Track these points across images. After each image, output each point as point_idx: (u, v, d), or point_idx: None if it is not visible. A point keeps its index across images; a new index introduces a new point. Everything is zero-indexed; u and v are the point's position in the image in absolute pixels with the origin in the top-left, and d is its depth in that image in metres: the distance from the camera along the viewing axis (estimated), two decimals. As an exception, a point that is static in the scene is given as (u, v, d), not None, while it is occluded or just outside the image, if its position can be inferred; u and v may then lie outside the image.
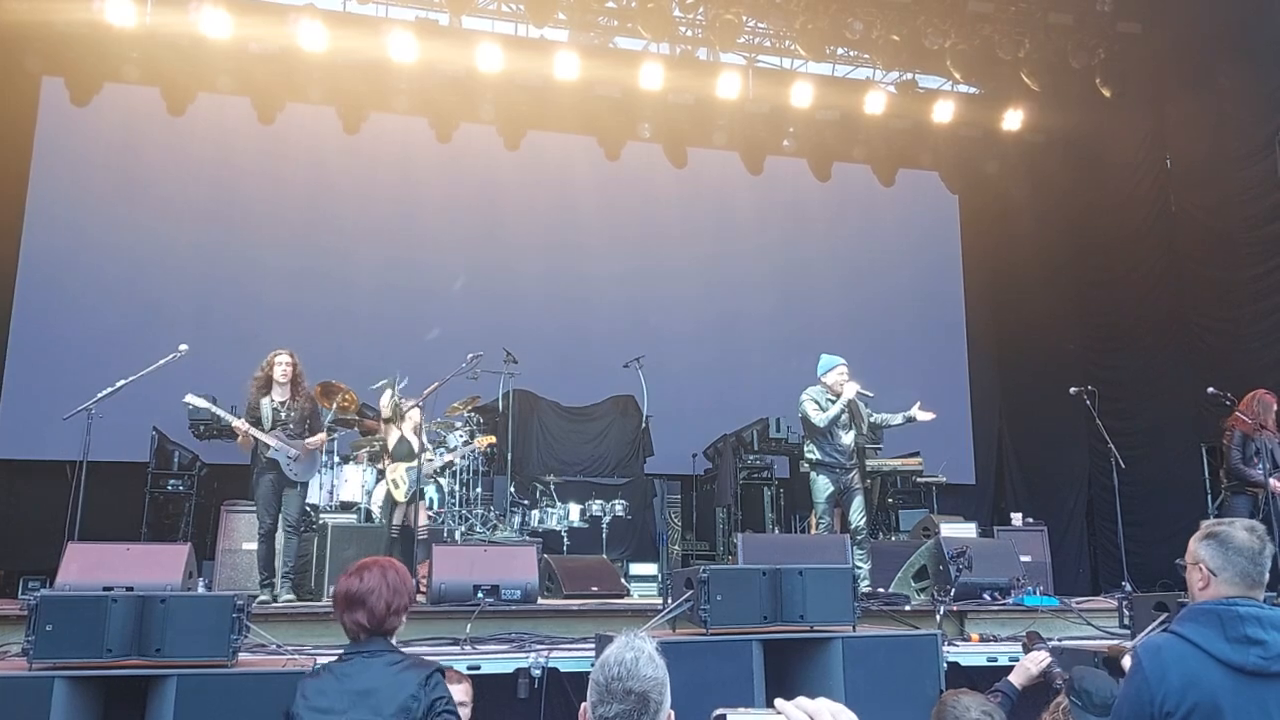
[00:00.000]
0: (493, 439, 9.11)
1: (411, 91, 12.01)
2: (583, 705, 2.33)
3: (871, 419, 7.69)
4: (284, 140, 11.94)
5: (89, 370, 9.63)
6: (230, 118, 11.78)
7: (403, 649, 3.45)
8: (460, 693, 4.22)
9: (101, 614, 3.81)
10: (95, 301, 11.10)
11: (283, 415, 7.20)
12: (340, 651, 3.38)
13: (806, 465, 7.74)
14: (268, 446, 7.07)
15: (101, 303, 11.10)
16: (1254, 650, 2.78)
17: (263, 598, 6.85)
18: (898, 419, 7.71)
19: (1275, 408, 8.02)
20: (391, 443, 7.93)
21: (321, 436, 7.53)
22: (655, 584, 10.10)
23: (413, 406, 7.72)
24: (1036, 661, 4.47)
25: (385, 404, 7.98)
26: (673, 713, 2.26)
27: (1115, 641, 5.10)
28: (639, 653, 2.33)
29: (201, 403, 7.21)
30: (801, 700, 1.62)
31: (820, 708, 1.59)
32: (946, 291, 13.99)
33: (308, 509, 8.07)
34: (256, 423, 7.12)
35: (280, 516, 7.06)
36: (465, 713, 4.25)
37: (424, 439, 7.92)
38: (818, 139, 13.29)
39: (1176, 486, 10.65)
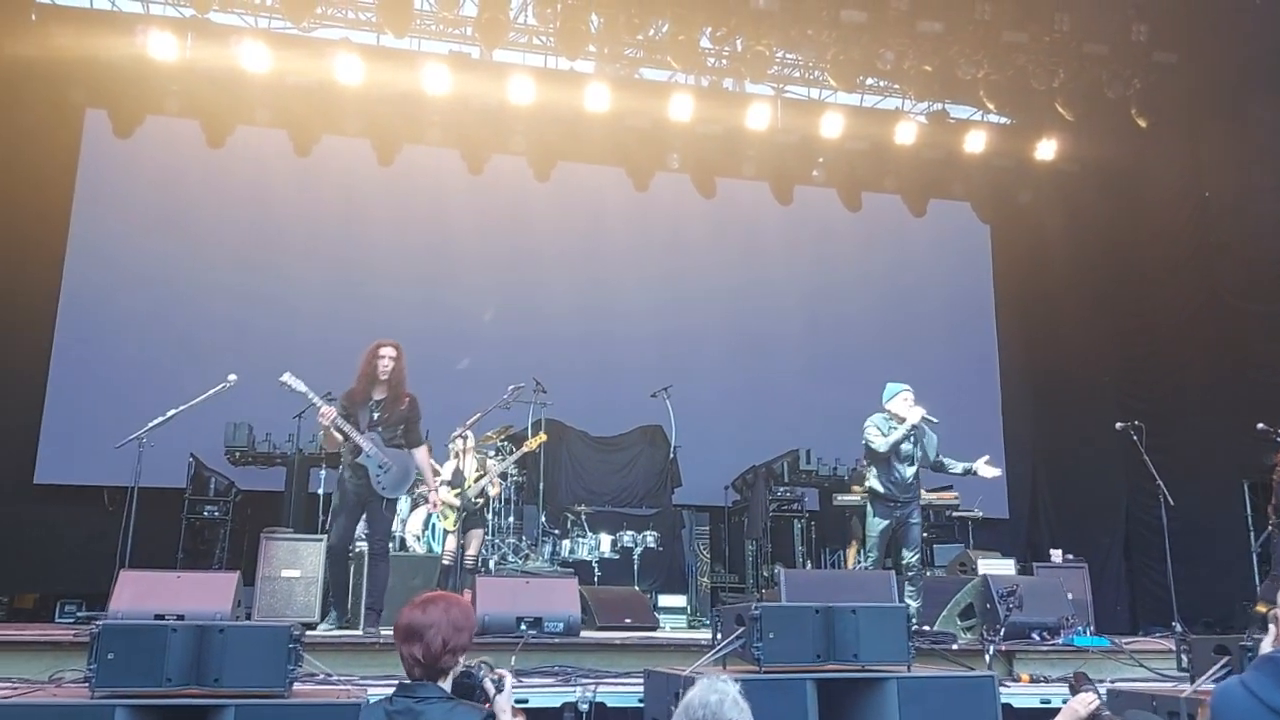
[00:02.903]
0: (543, 436, 9.06)
1: (444, 124, 12.13)
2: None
3: (936, 458, 7.61)
4: (319, 172, 12.07)
5: (128, 399, 9.76)
6: (268, 150, 11.92)
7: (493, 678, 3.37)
8: None
9: (161, 643, 3.81)
10: (135, 331, 11.20)
11: (377, 417, 6.43)
12: (394, 684, 3.35)
13: (865, 495, 7.68)
14: (358, 449, 6.32)
15: (141, 332, 11.20)
16: None
17: (323, 626, 6.50)
18: (959, 467, 7.62)
19: None
20: (449, 472, 7.93)
21: (422, 451, 6.77)
22: (684, 616, 10.09)
23: (457, 436, 7.72)
24: (1085, 704, 4.35)
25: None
26: None
27: (1177, 686, 5.00)
28: (723, 695, 2.31)
29: (300, 385, 6.43)
30: None
31: None
32: (978, 323, 13.91)
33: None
34: (349, 420, 6.39)
35: (368, 538, 6.61)
36: None
37: (472, 463, 7.88)
38: (848, 169, 13.31)
39: (1217, 524, 10.48)
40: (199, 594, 5.07)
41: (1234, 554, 10.42)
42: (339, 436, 6.37)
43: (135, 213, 11.45)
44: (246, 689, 3.81)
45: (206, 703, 3.75)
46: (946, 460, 7.62)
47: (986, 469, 7.54)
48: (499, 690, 3.33)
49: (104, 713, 3.57)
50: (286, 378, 6.42)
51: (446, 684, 3.27)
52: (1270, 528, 8.12)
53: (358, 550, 8.05)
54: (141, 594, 4.96)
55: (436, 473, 7.72)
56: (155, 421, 6.64)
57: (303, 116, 11.79)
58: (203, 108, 11.53)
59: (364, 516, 6.77)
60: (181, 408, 6.70)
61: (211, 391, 6.56)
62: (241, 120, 11.73)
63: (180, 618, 4.46)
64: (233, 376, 6.70)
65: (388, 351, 6.50)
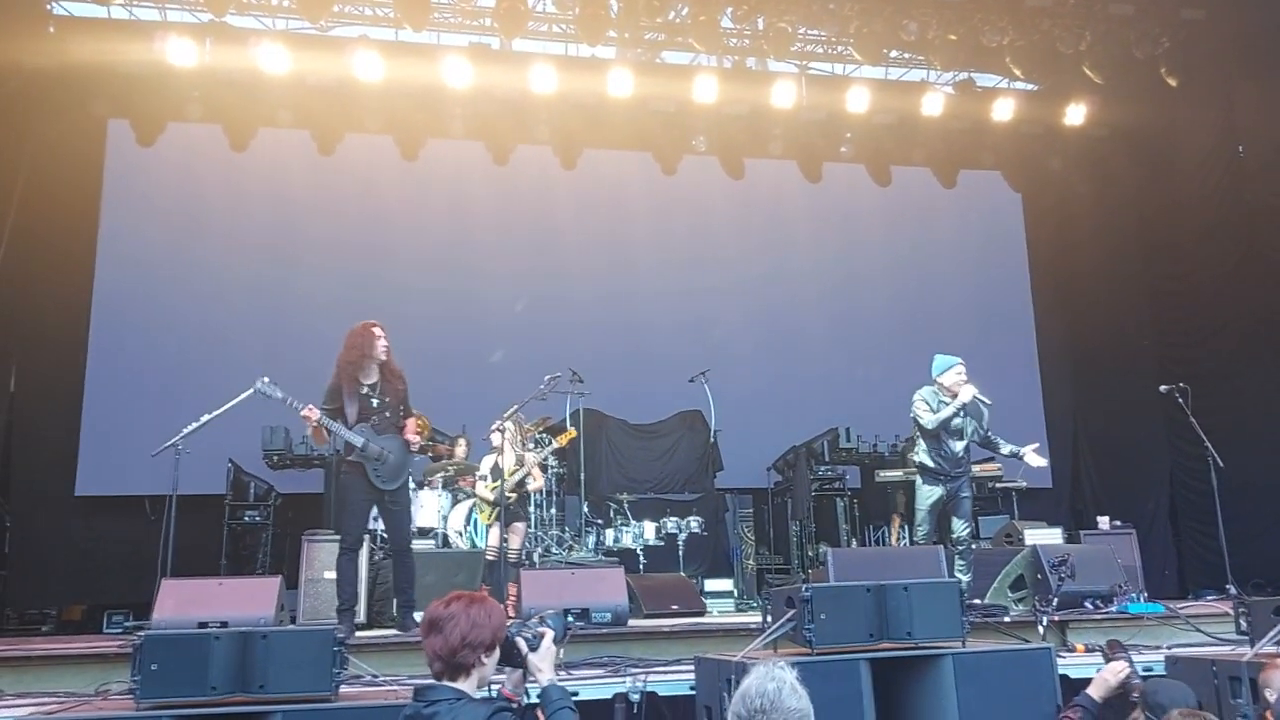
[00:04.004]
0: (573, 432, 8.98)
1: (466, 116, 12.08)
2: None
3: (986, 433, 7.43)
4: (343, 171, 12.06)
5: (163, 406, 9.79)
6: (290, 151, 11.92)
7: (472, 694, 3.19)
8: None
9: (205, 652, 3.79)
10: (165, 338, 11.25)
11: (374, 404, 6.12)
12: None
13: (915, 469, 7.55)
14: (351, 447, 6.03)
15: (171, 339, 11.25)
16: None
17: (343, 629, 6.53)
18: (1006, 449, 7.43)
19: None
20: (487, 467, 7.89)
21: (413, 422, 6.44)
22: (731, 600, 10.05)
23: (495, 429, 7.66)
24: (1115, 672, 4.27)
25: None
26: None
27: (1236, 650, 4.87)
28: (781, 683, 2.24)
29: (277, 391, 6.10)
30: None
31: None
32: (1013, 292, 13.71)
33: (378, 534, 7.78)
34: (337, 415, 6.08)
35: (386, 536, 6.44)
36: None
37: (511, 457, 7.82)
38: (875, 144, 13.13)
39: (1262, 486, 10.26)
40: (242, 600, 5.06)
41: None
42: (326, 434, 6.09)
43: (162, 220, 11.50)
44: (293, 694, 3.78)
45: (253, 709, 3.73)
46: (996, 439, 7.45)
47: (1034, 457, 7.36)
48: (534, 649, 3.26)
49: (151, 724, 3.55)
50: (261, 384, 6.13)
51: (469, 683, 3.15)
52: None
53: (376, 557, 7.95)
54: (184, 602, 4.96)
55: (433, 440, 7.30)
56: (190, 428, 6.64)
57: (324, 116, 11.77)
58: (224, 112, 11.54)
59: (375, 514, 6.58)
60: (215, 413, 6.68)
61: (243, 395, 6.50)
62: (263, 122, 11.74)
63: (224, 624, 4.45)
64: (266, 379, 6.63)
65: (381, 331, 6.22)
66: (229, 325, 11.35)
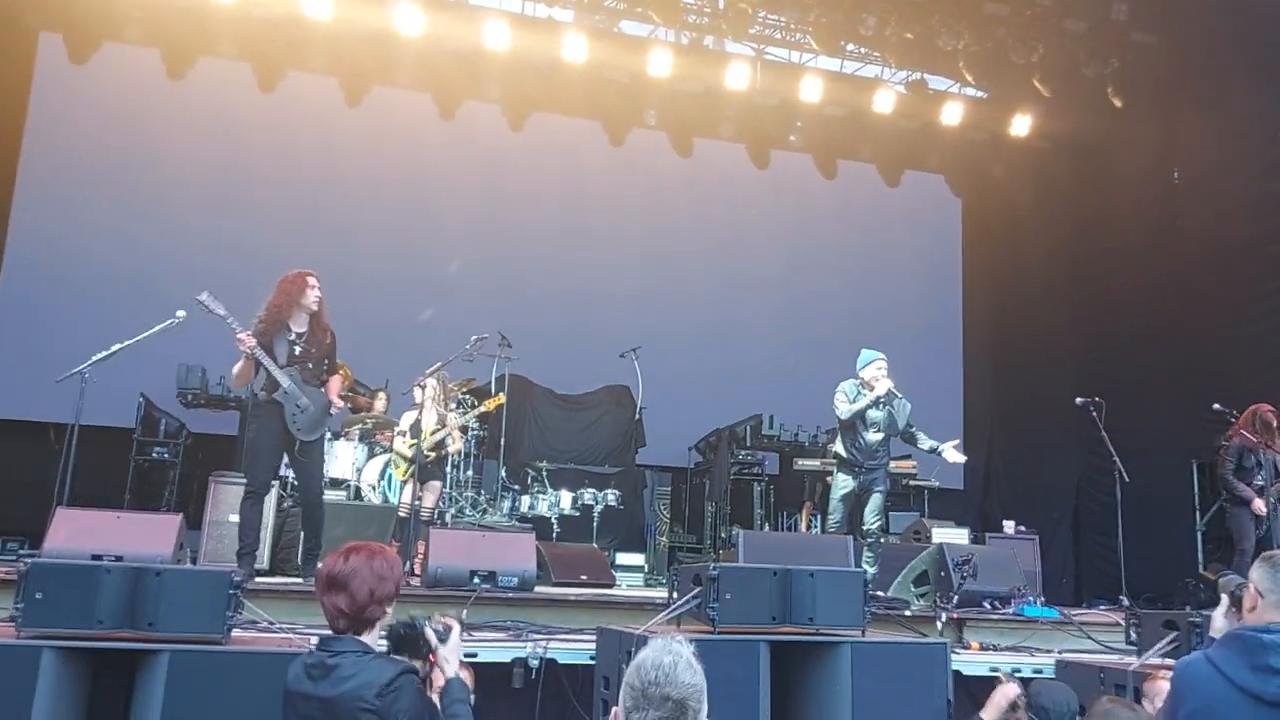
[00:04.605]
0: (500, 399, 8.88)
1: (416, 66, 11.82)
2: (612, 709, 2.23)
3: (907, 427, 7.51)
4: (285, 109, 11.74)
5: (78, 334, 9.43)
6: (231, 84, 11.56)
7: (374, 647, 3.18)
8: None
9: (94, 584, 3.66)
10: (84, 265, 10.88)
11: (298, 352, 6.02)
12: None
13: (833, 460, 7.68)
14: (275, 385, 5.91)
15: (96, 269, 10.89)
16: (1275, 680, 2.68)
17: (240, 572, 6.42)
18: (926, 444, 7.51)
19: (1276, 424, 7.99)
20: (407, 423, 7.78)
21: (338, 381, 6.41)
22: (641, 574, 10.08)
23: (416, 385, 7.56)
24: (1007, 695, 4.35)
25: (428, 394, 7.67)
26: None
27: (1124, 659, 5.02)
28: (677, 657, 2.22)
29: (220, 308, 5.94)
30: None
31: None
32: (946, 294, 13.96)
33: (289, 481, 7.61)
34: (267, 352, 5.94)
35: (296, 485, 6.36)
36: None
37: (433, 415, 7.73)
38: (825, 135, 13.20)
39: (1164, 502, 10.61)
40: (139, 536, 4.92)
41: (1179, 533, 10.58)
42: (252, 371, 5.99)
43: (91, 143, 11.09)
44: (183, 634, 3.68)
45: (140, 647, 3.62)
46: (917, 433, 7.56)
47: (953, 454, 7.48)
48: (443, 640, 3.21)
49: (30, 654, 3.42)
50: (204, 297, 5.96)
51: (372, 636, 3.12)
52: (1224, 504, 8.22)
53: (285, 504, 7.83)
54: (78, 533, 4.80)
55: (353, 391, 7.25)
56: (98, 356, 6.42)
57: (268, 50, 11.44)
58: (164, 36, 11.15)
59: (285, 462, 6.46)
60: (126, 343, 6.46)
61: (158, 328, 6.32)
62: (204, 51, 11.36)
63: (119, 559, 4.30)
64: (181, 313, 6.42)
65: (315, 282, 6.12)
66: (154, 258, 10.98)
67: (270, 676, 3.42)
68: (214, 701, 3.61)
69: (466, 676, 4.11)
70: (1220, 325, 10.55)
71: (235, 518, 6.92)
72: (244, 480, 6.36)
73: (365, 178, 11.97)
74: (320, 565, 3.20)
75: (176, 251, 11.08)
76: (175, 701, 3.53)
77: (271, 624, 4.60)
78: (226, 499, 7.31)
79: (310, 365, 6.10)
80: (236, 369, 6.09)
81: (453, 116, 12.24)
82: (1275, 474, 7.80)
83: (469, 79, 12.05)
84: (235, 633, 3.96)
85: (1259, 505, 7.75)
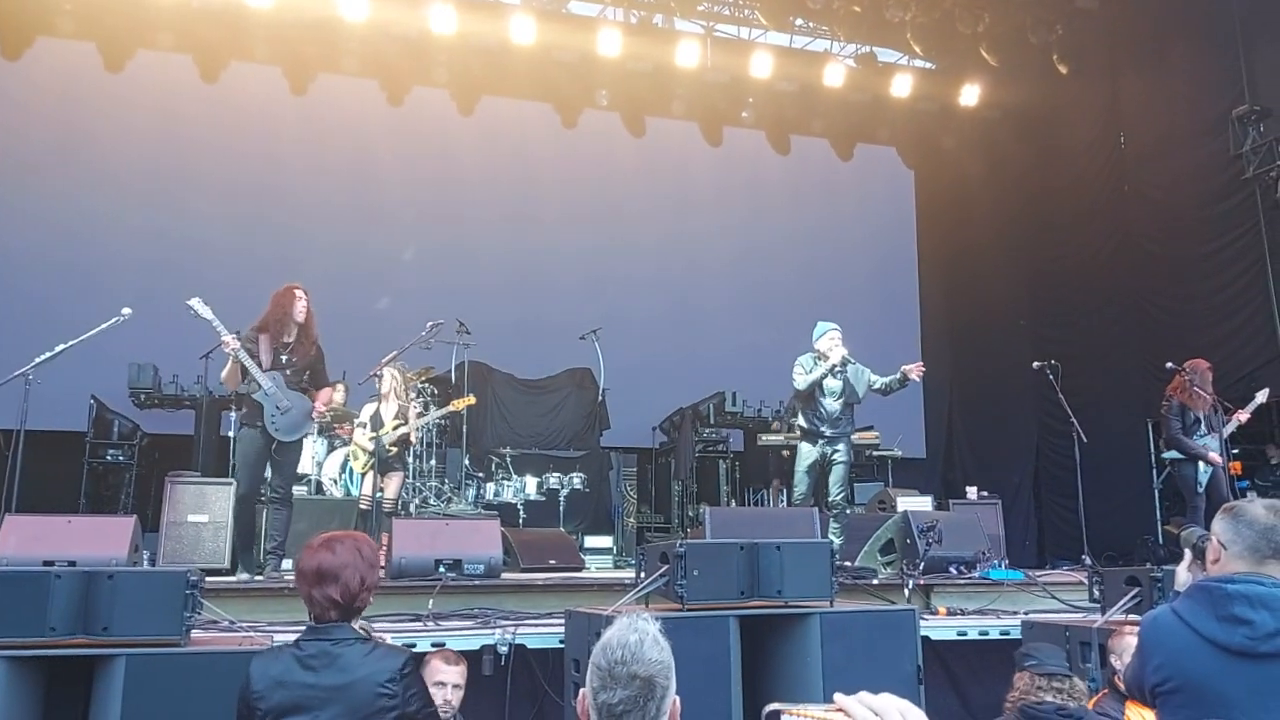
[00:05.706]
0: (472, 399, 8.78)
1: (362, 52, 11.66)
2: (581, 691, 2.18)
3: (874, 385, 7.50)
4: (228, 101, 11.51)
5: (21, 335, 9.20)
6: (172, 76, 11.31)
7: (370, 633, 3.31)
8: (456, 675, 4.10)
9: (44, 590, 3.55)
10: (29, 265, 10.61)
11: (285, 360, 6.29)
12: (300, 629, 3.20)
13: (796, 435, 7.67)
14: (258, 387, 6.14)
15: (35, 266, 10.62)
16: (1240, 630, 2.69)
17: (241, 575, 6.36)
18: (888, 381, 7.46)
19: (1211, 376, 8.09)
20: (367, 415, 7.68)
21: (329, 393, 6.71)
22: (610, 556, 10.05)
23: (372, 375, 7.45)
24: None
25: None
26: (678, 699, 2.11)
27: (1088, 617, 5.06)
28: (643, 635, 2.18)
29: (207, 312, 6.17)
30: (864, 696, 1.48)
31: (888, 705, 1.45)
32: (901, 266, 14.03)
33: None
34: (253, 357, 6.19)
35: (269, 482, 6.47)
36: (459, 695, 4.10)
37: (393, 407, 7.63)
38: (777, 111, 13.19)
39: (1122, 461, 10.80)
40: (93, 539, 4.79)
41: (1136, 491, 10.77)
42: (239, 373, 6.21)
43: (26, 140, 10.80)
44: (139, 638, 3.59)
45: (95, 653, 3.52)
46: (877, 380, 7.51)
47: (915, 372, 7.40)
48: None
49: (-20, 664, 3.32)
50: (194, 303, 6.21)
51: (358, 623, 3.19)
52: (1169, 463, 8.34)
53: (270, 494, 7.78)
54: (28, 540, 4.66)
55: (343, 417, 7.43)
56: (42, 357, 6.24)
57: (209, 41, 11.21)
58: (99, 29, 10.89)
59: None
60: (71, 343, 6.30)
61: (104, 326, 6.17)
62: (143, 44, 11.11)
63: (72, 564, 4.19)
64: (127, 310, 6.30)
65: (303, 294, 6.41)
66: (98, 255, 10.76)
67: (233, 676, 3.33)
68: (175, 704, 3.52)
69: (460, 671, 4.09)
70: (1171, 283, 10.73)
71: (194, 518, 6.91)
72: (202, 479, 6.80)
73: (313, 167, 11.78)
74: (300, 559, 3.21)
75: (120, 247, 10.87)
76: (133, 706, 3.44)
77: (232, 623, 4.51)
78: (184, 500, 7.15)
79: (290, 373, 6.33)
80: (225, 371, 6.32)
81: (401, 103, 12.07)
82: (1209, 427, 7.89)
83: (416, 64, 11.90)
84: (195, 633, 3.87)
85: (1215, 458, 7.84)
